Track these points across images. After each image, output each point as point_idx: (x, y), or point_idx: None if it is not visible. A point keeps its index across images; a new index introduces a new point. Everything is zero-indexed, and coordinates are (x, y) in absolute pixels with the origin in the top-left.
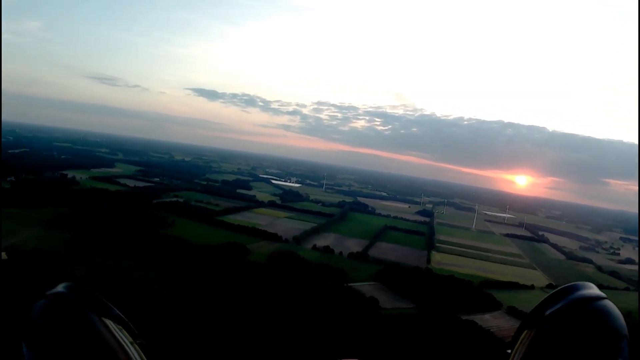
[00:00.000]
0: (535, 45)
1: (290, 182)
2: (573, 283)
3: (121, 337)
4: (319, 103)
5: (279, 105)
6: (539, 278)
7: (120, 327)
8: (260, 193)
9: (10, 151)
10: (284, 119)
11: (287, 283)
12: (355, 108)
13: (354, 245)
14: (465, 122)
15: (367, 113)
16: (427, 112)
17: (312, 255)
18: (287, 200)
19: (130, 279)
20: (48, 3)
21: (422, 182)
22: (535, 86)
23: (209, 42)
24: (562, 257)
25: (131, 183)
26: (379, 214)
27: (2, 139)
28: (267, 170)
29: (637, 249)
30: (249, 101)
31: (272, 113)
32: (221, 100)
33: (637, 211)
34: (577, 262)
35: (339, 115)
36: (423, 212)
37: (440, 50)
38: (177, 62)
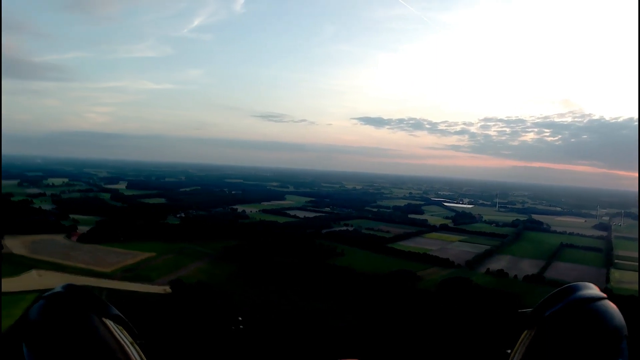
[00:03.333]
0: None
1: (462, 203)
2: (573, 283)
3: (121, 337)
4: (485, 119)
5: (446, 126)
6: None
7: (120, 327)
8: (432, 217)
9: (181, 189)
10: (452, 139)
11: (456, 312)
12: (522, 121)
13: (529, 266)
14: (636, 123)
15: (535, 124)
16: (596, 117)
17: (485, 280)
18: (460, 223)
19: (294, 309)
20: (204, 52)
21: (597, 193)
22: None
23: (368, 70)
24: None
25: (301, 214)
26: (554, 231)
27: (175, 179)
28: (439, 192)
29: None
30: (416, 125)
31: (439, 134)
32: (388, 127)
33: None
34: None
35: (507, 129)
36: (600, 226)
37: (601, 49)
38: (341, 93)
